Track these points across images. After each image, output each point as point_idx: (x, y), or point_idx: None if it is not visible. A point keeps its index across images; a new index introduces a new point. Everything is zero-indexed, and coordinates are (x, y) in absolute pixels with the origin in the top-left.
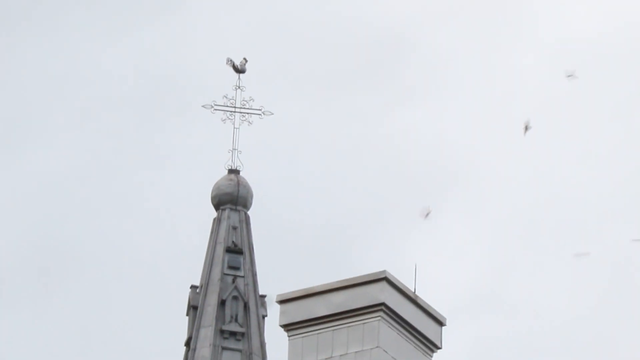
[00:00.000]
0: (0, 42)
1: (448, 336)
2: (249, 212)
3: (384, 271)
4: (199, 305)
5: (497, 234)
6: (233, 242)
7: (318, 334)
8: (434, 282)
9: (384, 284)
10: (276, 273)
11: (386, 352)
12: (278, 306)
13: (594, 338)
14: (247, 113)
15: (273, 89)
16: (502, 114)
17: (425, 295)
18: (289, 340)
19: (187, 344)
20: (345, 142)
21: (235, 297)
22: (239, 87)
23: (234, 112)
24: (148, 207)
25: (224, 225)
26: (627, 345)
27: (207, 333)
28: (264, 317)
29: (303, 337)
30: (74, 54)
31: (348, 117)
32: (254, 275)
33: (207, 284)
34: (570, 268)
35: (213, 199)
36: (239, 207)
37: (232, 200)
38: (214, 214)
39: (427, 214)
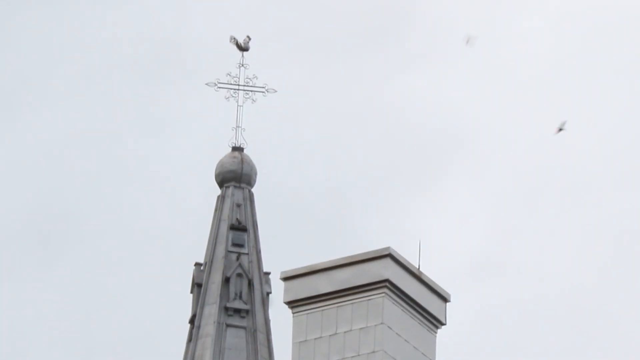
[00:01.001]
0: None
1: (453, 303)
2: (252, 190)
3: (388, 247)
4: (203, 283)
5: (501, 200)
6: (237, 219)
7: (322, 310)
8: (438, 248)
9: (388, 260)
10: (280, 250)
11: (390, 328)
12: (282, 283)
13: (599, 303)
14: (251, 91)
15: (276, 64)
16: (507, 78)
17: (430, 264)
18: (293, 317)
19: (192, 321)
20: (348, 108)
21: (239, 275)
22: (242, 65)
23: (238, 89)
24: (150, 177)
25: (227, 203)
26: (632, 310)
27: (211, 310)
28: (268, 294)
29: (307, 313)
30: (75, 18)
31: (351, 83)
32: (258, 252)
33: (212, 262)
34: (576, 233)
35: (217, 176)
36: (242, 185)
37: (236, 177)
38: (218, 191)
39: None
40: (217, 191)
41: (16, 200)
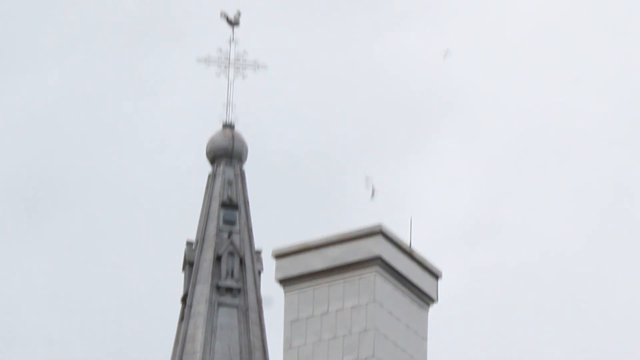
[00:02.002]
0: None
1: (443, 266)
2: (244, 167)
3: (380, 225)
4: (195, 261)
5: (492, 162)
6: (228, 197)
7: (314, 288)
8: (429, 211)
9: (379, 237)
10: (272, 228)
11: (382, 306)
12: (274, 261)
13: (591, 265)
14: (241, 66)
15: (264, 33)
16: (498, 38)
17: (420, 228)
18: (284, 295)
19: (183, 300)
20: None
21: (231, 253)
22: (233, 40)
23: (228, 65)
24: (140, 150)
25: (219, 180)
26: (624, 272)
27: (203, 289)
28: (259, 272)
29: (299, 291)
30: None
31: (339, 44)
32: (249, 230)
33: (203, 240)
34: (567, 195)
35: (208, 153)
36: (234, 162)
37: (227, 154)
38: (208, 168)
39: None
40: (208, 168)
41: (1, 165)
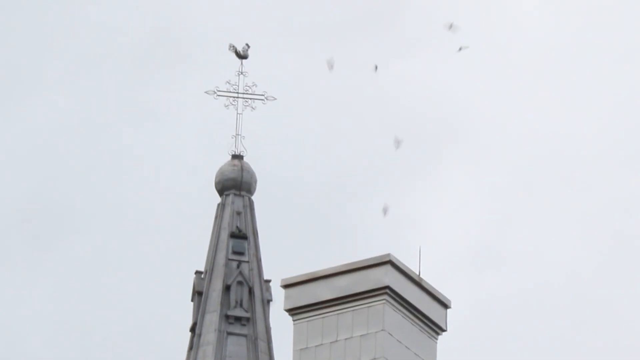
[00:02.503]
0: None
1: (453, 291)
2: (252, 197)
3: (389, 254)
4: (204, 291)
5: (498, 188)
6: (237, 227)
7: (323, 317)
8: (436, 237)
9: (388, 267)
10: (280, 257)
11: (391, 335)
12: (283, 291)
13: (599, 291)
14: (250, 98)
15: (270, 60)
16: (503, 65)
17: (427, 252)
18: (293, 324)
19: (192, 329)
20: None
21: (240, 282)
22: (241, 73)
23: (237, 97)
24: (149, 183)
25: (228, 211)
26: (632, 298)
27: (212, 318)
28: (268, 301)
29: (308, 321)
30: (68, 8)
31: (344, 71)
32: (258, 260)
33: (212, 270)
34: (574, 221)
35: (217, 184)
36: (242, 193)
37: (236, 185)
38: (218, 199)
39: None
40: (217, 199)
41: (7, 193)
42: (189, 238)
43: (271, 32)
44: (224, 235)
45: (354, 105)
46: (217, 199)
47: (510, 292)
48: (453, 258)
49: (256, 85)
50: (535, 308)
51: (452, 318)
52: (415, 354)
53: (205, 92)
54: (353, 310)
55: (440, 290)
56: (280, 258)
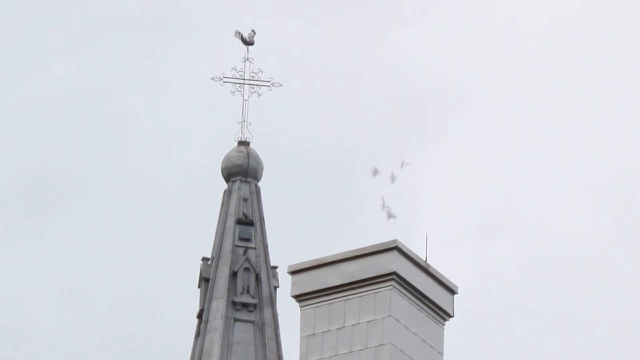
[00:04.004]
0: None
1: (456, 260)
2: (259, 184)
3: (395, 240)
4: (211, 277)
5: (503, 155)
6: (244, 213)
7: (330, 304)
8: (441, 206)
9: (395, 253)
10: (287, 244)
11: (398, 321)
12: (290, 277)
13: (606, 259)
14: (256, 85)
15: (280, 53)
16: (507, 31)
17: (432, 224)
18: (300, 310)
19: (199, 316)
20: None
21: (246, 269)
22: (247, 59)
23: (243, 84)
24: (156, 163)
25: (234, 197)
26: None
27: (219, 305)
28: (275, 288)
29: (315, 307)
30: None
31: (350, 39)
32: (265, 246)
33: (219, 256)
34: (580, 189)
35: (223, 171)
36: (249, 179)
37: (242, 172)
38: (224, 185)
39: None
40: (224, 185)
41: (9, 161)
42: (196, 224)
43: (277, 21)
44: (231, 221)
45: (359, 79)
46: (224, 185)
47: (517, 260)
48: (458, 226)
49: (262, 72)
50: (542, 276)
51: (459, 298)
52: (422, 339)
53: (212, 79)
54: (360, 296)
55: (447, 277)
56: (287, 244)
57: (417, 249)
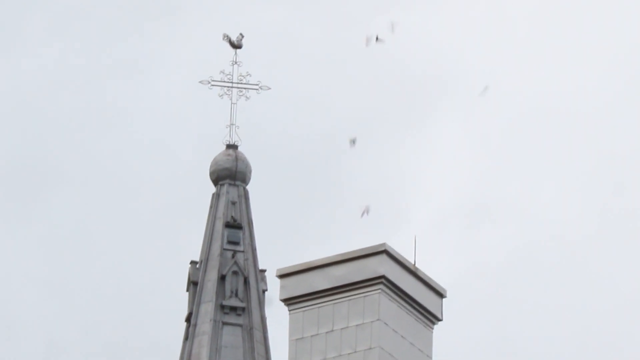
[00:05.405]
0: None
1: (442, 249)
2: (247, 187)
3: (384, 244)
4: (199, 281)
5: (489, 144)
6: (232, 217)
7: (319, 307)
8: (427, 193)
9: (383, 256)
10: (276, 247)
11: (387, 324)
12: (278, 281)
13: (593, 248)
14: (245, 88)
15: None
16: (494, 19)
17: (419, 210)
18: (289, 314)
19: (188, 319)
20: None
21: (235, 272)
22: (235, 63)
23: (231, 87)
24: (144, 167)
25: (222, 201)
26: (632, 256)
27: (207, 308)
28: (264, 291)
29: (304, 311)
30: None
31: (335, 25)
32: (253, 250)
33: (207, 260)
34: (568, 175)
35: (212, 174)
36: (237, 182)
37: (230, 175)
38: (212, 189)
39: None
40: (212, 189)
41: None
42: (184, 228)
43: (265, 25)
44: (219, 225)
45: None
46: (212, 188)
47: (504, 248)
48: (444, 214)
49: (250, 75)
50: (528, 265)
51: (448, 308)
52: (411, 343)
53: (200, 82)
54: (349, 300)
55: (436, 281)
56: (276, 248)
57: (405, 245)
